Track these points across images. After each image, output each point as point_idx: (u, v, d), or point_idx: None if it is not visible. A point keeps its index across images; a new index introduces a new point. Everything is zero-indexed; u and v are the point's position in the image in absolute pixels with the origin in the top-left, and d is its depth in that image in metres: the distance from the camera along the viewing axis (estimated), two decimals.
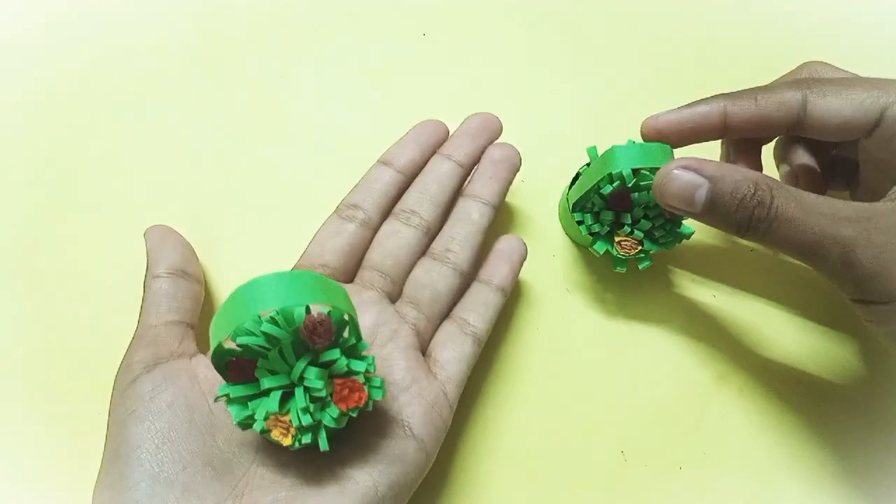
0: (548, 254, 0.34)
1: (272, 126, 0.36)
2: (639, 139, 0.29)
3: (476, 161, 0.31)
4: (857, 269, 0.22)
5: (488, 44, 0.39)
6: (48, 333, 0.30)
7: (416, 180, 0.30)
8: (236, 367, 0.20)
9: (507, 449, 0.30)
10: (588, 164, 0.30)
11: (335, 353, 0.20)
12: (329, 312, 0.20)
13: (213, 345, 0.20)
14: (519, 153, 0.31)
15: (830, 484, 0.30)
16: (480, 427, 0.30)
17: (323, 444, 0.20)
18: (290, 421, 0.20)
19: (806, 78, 0.27)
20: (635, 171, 0.28)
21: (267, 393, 0.20)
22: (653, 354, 0.32)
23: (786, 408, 0.32)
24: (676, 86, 0.38)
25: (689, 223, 0.29)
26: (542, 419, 0.31)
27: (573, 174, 0.32)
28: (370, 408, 0.21)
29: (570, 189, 0.32)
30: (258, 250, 0.33)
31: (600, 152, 0.30)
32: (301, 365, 0.20)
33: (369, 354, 0.22)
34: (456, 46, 0.39)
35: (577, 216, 0.29)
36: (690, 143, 0.27)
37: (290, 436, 0.20)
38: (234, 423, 0.20)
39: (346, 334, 0.21)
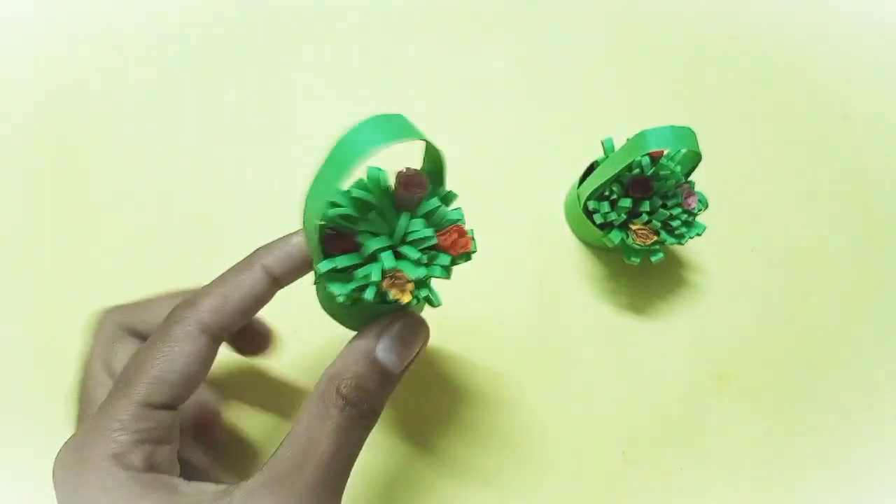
0: (550, 255, 0.33)
1: (272, 127, 0.35)
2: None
3: None
4: None
5: (487, 45, 0.39)
6: (49, 333, 0.29)
7: None
8: (333, 240, 0.19)
9: (508, 450, 0.29)
10: (604, 157, 0.30)
11: (435, 202, 0.20)
12: (419, 170, 0.20)
13: (314, 216, 0.18)
14: None
15: (832, 484, 0.30)
16: (481, 428, 0.29)
17: (437, 299, 0.20)
18: (407, 276, 0.19)
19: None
20: (654, 160, 0.27)
21: (374, 258, 0.19)
22: (655, 354, 0.32)
23: (787, 409, 0.31)
24: (676, 86, 0.39)
25: (701, 220, 0.29)
26: (542, 419, 0.30)
27: (572, 174, 0.32)
28: (471, 258, 0.20)
29: (580, 183, 0.31)
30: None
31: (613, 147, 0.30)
32: (405, 220, 0.19)
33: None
34: (455, 47, 0.38)
35: (593, 204, 0.29)
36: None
37: (407, 292, 0.19)
38: (340, 300, 0.19)
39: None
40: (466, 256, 0.20)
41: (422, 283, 0.19)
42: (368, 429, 0.21)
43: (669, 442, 0.30)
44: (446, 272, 0.20)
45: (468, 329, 0.31)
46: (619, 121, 0.37)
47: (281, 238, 0.23)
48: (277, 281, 0.22)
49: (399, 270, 0.19)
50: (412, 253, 0.19)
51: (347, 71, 0.36)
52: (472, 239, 0.20)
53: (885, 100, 0.40)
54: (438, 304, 0.20)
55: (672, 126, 0.26)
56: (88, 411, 0.21)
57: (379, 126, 0.17)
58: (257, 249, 0.22)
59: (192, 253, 0.31)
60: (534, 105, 0.37)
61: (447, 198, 0.21)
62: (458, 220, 0.20)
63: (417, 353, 0.22)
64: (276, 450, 0.19)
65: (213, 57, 0.36)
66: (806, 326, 0.33)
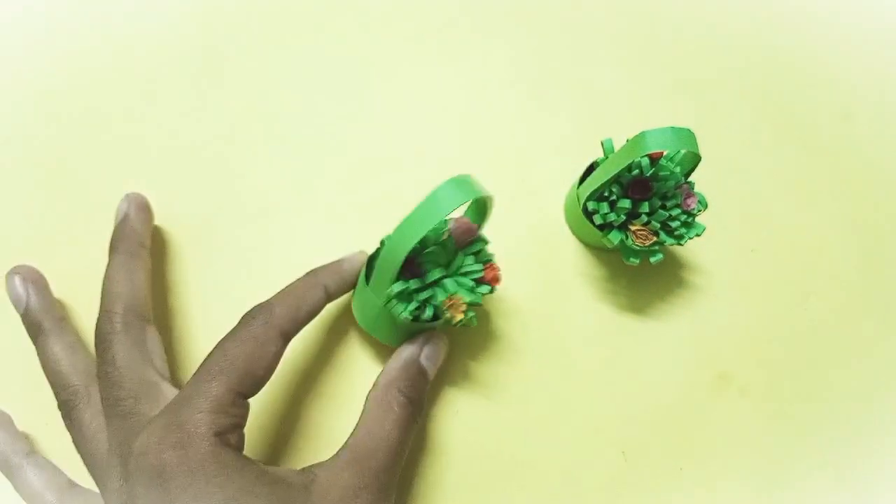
0: (550, 255, 0.33)
1: (272, 127, 0.35)
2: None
3: None
4: None
5: (487, 45, 0.39)
6: None
7: None
8: (406, 265, 0.24)
9: (507, 450, 0.29)
10: (604, 158, 0.30)
11: (481, 244, 0.26)
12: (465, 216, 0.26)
13: (405, 249, 0.22)
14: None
15: (832, 484, 0.30)
16: (480, 427, 0.30)
17: (475, 319, 0.25)
18: (462, 300, 0.24)
19: None
20: (653, 161, 0.28)
21: (436, 283, 0.24)
22: (654, 354, 0.32)
23: (787, 408, 0.31)
24: (676, 86, 0.39)
25: (700, 220, 0.29)
26: (542, 419, 0.30)
27: (572, 174, 0.32)
28: (496, 290, 0.26)
29: (580, 184, 0.31)
30: (257, 249, 0.32)
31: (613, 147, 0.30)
32: (461, 257, 0.25)
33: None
34: (455, 47, 0.38)
35: (592, 205, 0.29)
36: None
37: (461, 312, 0.24)
38: (404, 315, 0.24)
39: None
40: (494, 288, 0.26)
41: (471, 306, 0.24)
42: (418, 422, 0.25)
43: (669, 442, 0.30)
44: (481, 298, 0.25)
45: (467, 329, 0.31)
46: (619, 121, 0.37)
47: (333, 262, 0.27)
48: (330, 297, 0.26)
49: (457, 295, 0.24)
50: (467, 282, 0.24)
51: (346, 71, 0.37)
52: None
53: (886, 100, 0.40)
54: (475, 324, 0.26)
55: (672, 127, 0.26)
56: (140, 389, 0.23)
57: (456, 187, 0.22)
58: (316, 270, 0.27)
59: (190, 252, 0.31)
60: (534, 105, 0.37)
61: (486, 241, 0.26)
62: (491, 259, 0.26)
63: None
64: (349, 438, 0.24)
65: (212, 57, 0.36)
66: (806, 326, 0.33)
